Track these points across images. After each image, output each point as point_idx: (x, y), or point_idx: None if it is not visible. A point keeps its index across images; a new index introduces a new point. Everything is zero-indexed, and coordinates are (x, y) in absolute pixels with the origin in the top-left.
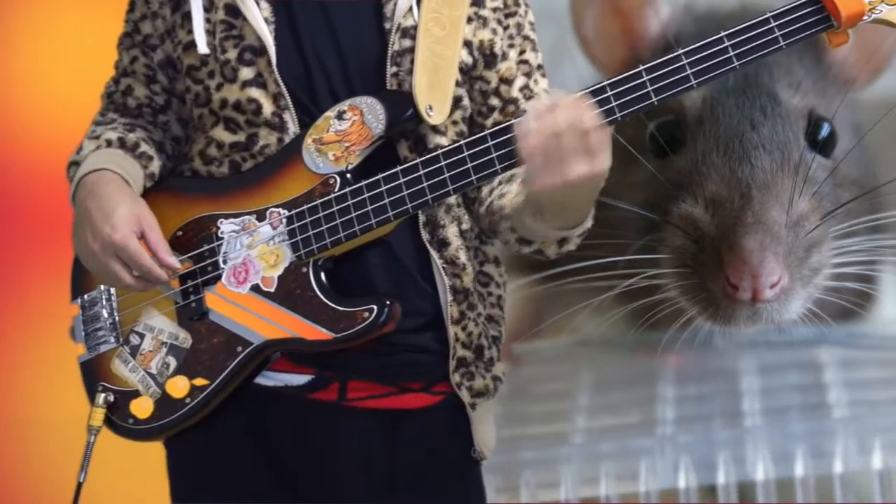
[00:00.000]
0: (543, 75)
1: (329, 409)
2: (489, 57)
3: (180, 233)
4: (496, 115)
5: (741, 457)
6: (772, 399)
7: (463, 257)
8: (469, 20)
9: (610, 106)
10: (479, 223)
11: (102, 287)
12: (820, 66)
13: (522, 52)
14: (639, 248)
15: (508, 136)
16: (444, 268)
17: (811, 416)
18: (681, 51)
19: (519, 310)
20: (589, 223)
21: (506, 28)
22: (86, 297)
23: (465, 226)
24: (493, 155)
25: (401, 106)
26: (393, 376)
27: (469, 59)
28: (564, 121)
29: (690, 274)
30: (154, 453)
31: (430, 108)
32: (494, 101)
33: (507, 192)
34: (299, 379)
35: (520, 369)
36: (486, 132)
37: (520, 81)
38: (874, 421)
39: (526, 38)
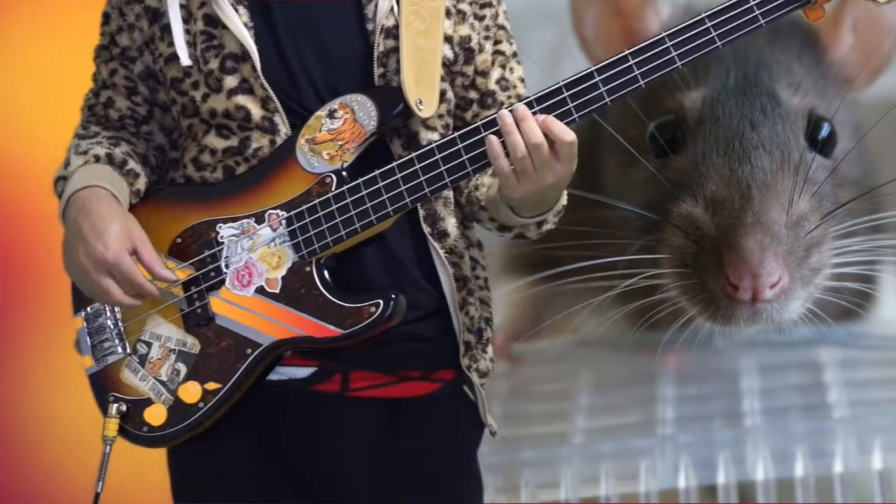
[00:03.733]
0: (518, 63)
1: (332, 400)
2: (468, 52)
3: (179, 240)
4: (475, 108)
5: (741, 457)
6: (772, 399)
7: (461, 246)
8: (448, 14)
9: (599, 91)
10: (460, 211)
11: None
12: (820, 66)
13: (497, 42)
14: (639, 248)
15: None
16: (446, 258)
17: (811, 416)
18: (664, 33)
19: (519, 310)
20: (563, 202)
21: (482, 20)
22: (89, 309)
23: (459, 214)
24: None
25: (391, 101)
26: (393, 365)
27: (451, 55)
28: (533, 138)
29: (690, 274)
30: (155, 452)
31: (420, 101)
32: (472, 94)
33: (480, 185)
34: (302, 371)
35: (520, 369)
36: (479, 123)
37: (496, 73)
38: (874, 421)
39: (500, 27)
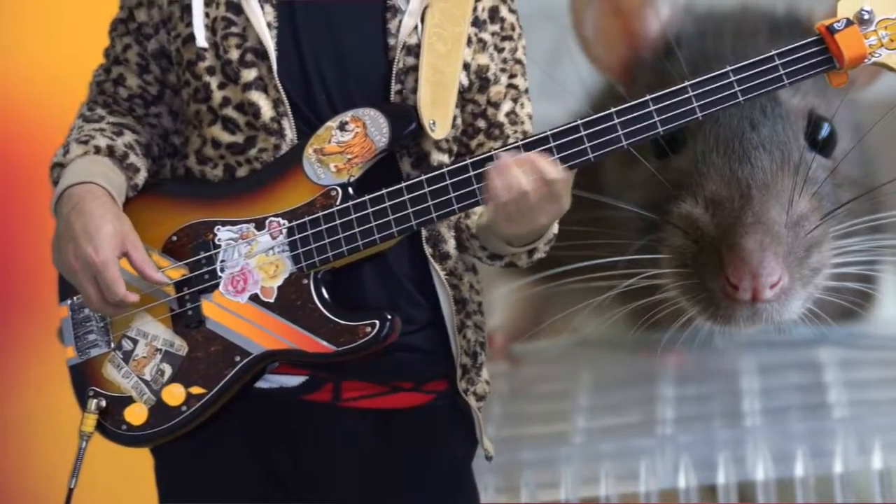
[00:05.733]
0: (529, 100)
1: (323, 410)
2: (483, 81)
3: (175, 238)
4: (481, 137)
5: (741, 457)
6: (772, 399)
7: (460, 268)
8: (469, 41)
9: (616, 134)
10: None
11: None
12: None
13: (513, 76)
14: (639, 248)
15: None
16: (446, 279)
17: (811, 416)
18: (687, 83)
19: (519, 310)
20: (554, 231)
21: (500, 51)
22: (75, 298)
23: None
24: None
25: (404, 120)
26: (385, 376)
27: (466, 82)
28: (530, 178)
29: (690, 274)
30: (142, 456)
31: (434, 123)
32: (481, 123)
33: (472, 212)
34: (294, 380)
35: (520, 369)
36: (493, 151)
37: (506, 106)
38: (874, 421)
39: (517, 61)
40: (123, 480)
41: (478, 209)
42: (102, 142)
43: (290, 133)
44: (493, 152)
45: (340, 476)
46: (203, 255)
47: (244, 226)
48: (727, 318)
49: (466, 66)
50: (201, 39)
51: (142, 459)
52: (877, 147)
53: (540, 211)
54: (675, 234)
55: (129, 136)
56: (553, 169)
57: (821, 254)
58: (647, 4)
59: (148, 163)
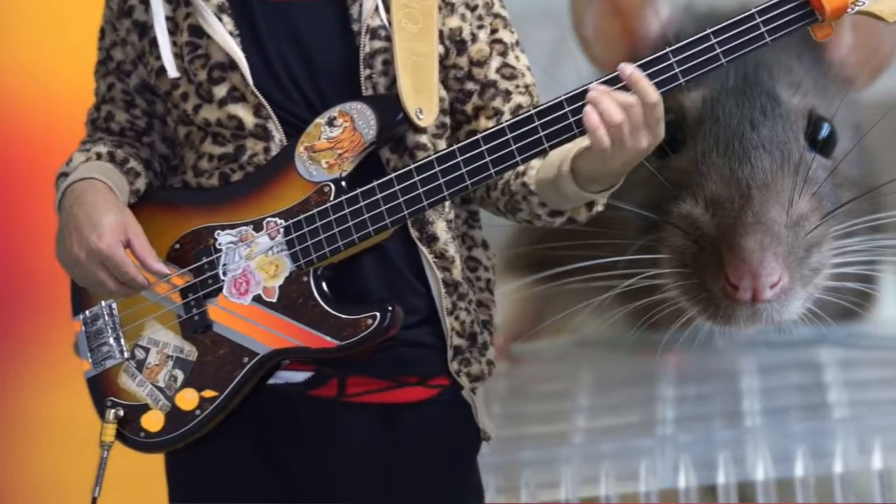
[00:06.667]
0: (522, 51)
1: (329, 405)
2: (459, 44)
3: (178, 246)
4: (475, 100)
5: (741, 457)
6: (772, 399)
7: (451, 250)
8: (439, 9)
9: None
10: (488, 206)
11: (103, 303)
12: (820, 66)
13: (494, 31)
14: (639, 248)
15: (500, 140)
16: (434, 262)
17: (811, 416)
18: (668, 49)
19: (519, 310)
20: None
21: (474, 9)
22: (87, 312)
23: (450, 216)
24: (487, 159)
25: (391, 111)
26: (390, 371)
27: (442, 50)
28: (628, 101)
29: (690, 274)
30: (151, 456)
31: (420, 111)
32: (470, 86)
33: (529, 168)
34: (299, 376)
35: (520, 369)
36: (479, 136)
37: (496, 62)
38: (874, 421)
39: (496, 15)
40: (132, 481)
41: (535, 163)
42: (103, 149)
43: (278, 134)
44: (478, 136)
45: (346, 471)
46: (205, 260)
47: (243, 228)
48: (727, 318)
49: (440, 35)
50: (172, 70)
51: (150, 460)
52: (877, 147)
53: (640, 136)
54: (675, 234)
55: (129, 149)
56: (649, 87)
57: (821, 254)
58: (647, 4)
59: (150, 174)
